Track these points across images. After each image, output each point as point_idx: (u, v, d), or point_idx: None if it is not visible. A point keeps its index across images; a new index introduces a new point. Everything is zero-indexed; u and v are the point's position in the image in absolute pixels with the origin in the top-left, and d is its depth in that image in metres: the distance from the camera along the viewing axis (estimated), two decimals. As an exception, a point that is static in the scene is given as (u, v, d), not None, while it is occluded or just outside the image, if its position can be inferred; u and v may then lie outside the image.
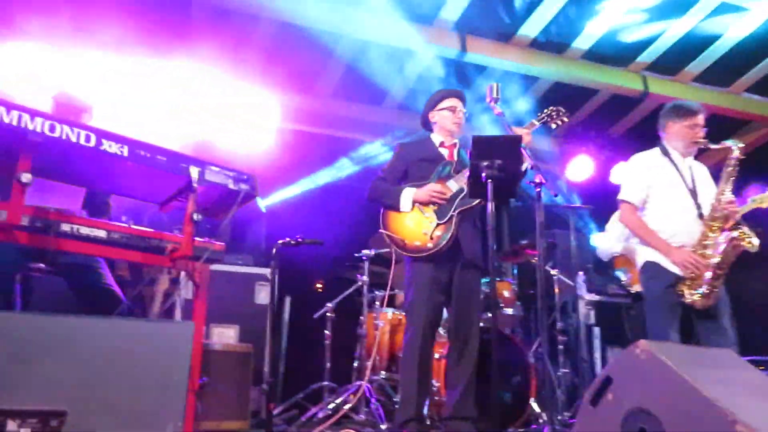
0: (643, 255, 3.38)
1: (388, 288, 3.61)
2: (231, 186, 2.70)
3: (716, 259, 3.12)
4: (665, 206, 3.33)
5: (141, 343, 1.52)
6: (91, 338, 1.46)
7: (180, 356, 1.50)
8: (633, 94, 5.77)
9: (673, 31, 5.13)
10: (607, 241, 4.69)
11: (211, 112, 4.93)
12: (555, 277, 4.61)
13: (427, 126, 3.39)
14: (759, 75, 5.75)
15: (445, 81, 5.30)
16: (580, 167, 6.31)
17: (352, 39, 4.97)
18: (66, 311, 3.12)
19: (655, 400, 2.00)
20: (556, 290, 4.58)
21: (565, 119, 3.23)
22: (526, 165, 2.69)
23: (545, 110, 3.22)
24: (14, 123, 2.10)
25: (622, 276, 4.51)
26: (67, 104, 3.27)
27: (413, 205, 3.08)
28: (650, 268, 3.32)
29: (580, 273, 5.11)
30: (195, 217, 2.53)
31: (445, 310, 3.24)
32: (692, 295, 3.15)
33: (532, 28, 5.08)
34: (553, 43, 5.32)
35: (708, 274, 3.12)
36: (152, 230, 2.59)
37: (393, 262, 3.58)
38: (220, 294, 4.12)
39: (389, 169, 3.28)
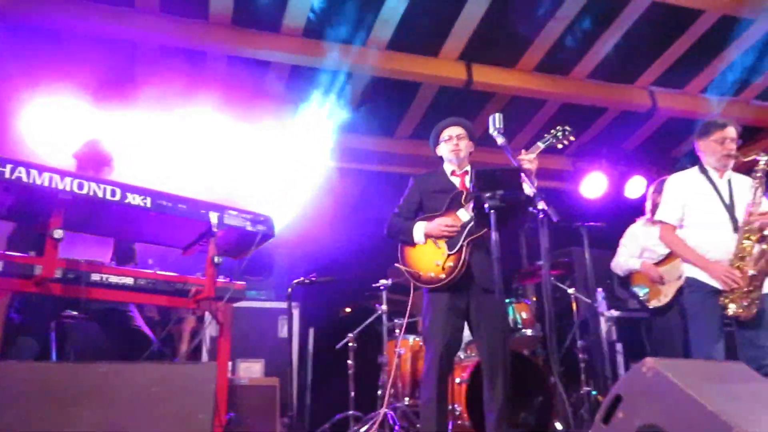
0: (686, 271, 3.49)
1: (407, 315, 3.68)
2: (249, 228, 2.85)
3: (752, 272, 3.19)
4: (701, 223, 3.43)
5: (168, 386, 1.64)
6: (123, 384, 1.58)
7: (204, 396, 1.61)
8: (641, 109, 5.83)
9: (680, 43, 5.21)
10: (622, 257, 4.75)
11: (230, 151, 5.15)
12: (572, 296, 4.65)
13: (441, 158, 3.52)
14: (766, 83, 5.77)
15: (453, 111, 5.43)
16: (594, 184, 6.36)
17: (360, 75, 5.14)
18: (99, 354, 3.29)
19: (664, 417, 2.05)
20: (574, 308, 4.61)
21: (572, 138, 3.26)
22: (529, 192, 2.77)
23: (551, 131, 3.28)
24: (46, 184, 2.28)
25: (639, 292, 4.54)
26: (90, 157, 3.45)
27: (426, 238, 3.20)
28: (691, 283, 3.43)
29: (599, 290, 5.14)
30: (216, 260, 2.68)
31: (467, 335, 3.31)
32: (734, 308, 3.23)
33: (536, 52, 5.20)
34: (558, 66, 5.43)
35: (746, 287, 3.20)
36: (176, 274, 2.74)
37: (412, 289, 3.68)
38: (246, 329, 4.26)
39: (404, 203, 3.41)
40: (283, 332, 4.39)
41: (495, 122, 3.00)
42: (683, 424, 1.98)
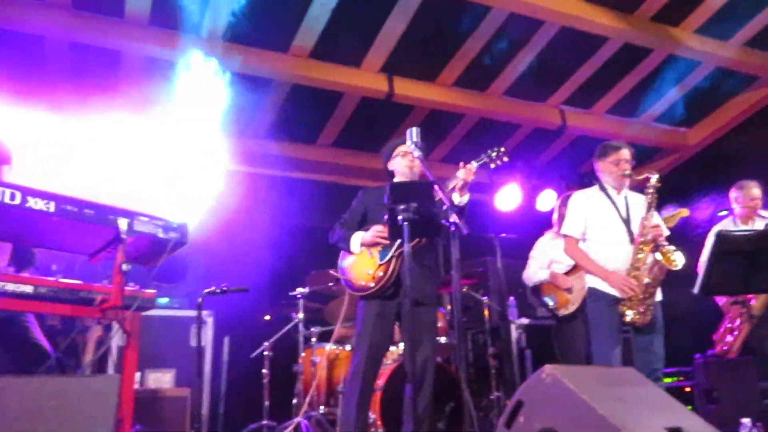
0: (588, 281, 3.71)
1: (341, 320, 3.70)
2: (160, 235, 2.78)
3: (647, 280, 3.42)
4: (601, 236, 3.67)
5: (68, 400, 1.59)
6: (16, 399, 1.52)
7: (105, 409, 1.57)
8: (552, 126, 6.14)
9: (587, 66, 5.54)
10: (531, 269, 4.97)
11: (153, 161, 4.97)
12: (485, 304, 4.81)
13: (392, 175, 3.59)
14: (663, 107, 6.22)
15: (375, 122, 5.53)
16: (509, 196, 6.61)
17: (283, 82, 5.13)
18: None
19: (560, 420, 2.18)
20: (486, 316, 4.78)
21: (506, 159, 3.39)
22: (444, 204, 2.87)
23: (487, 152, 3.39)
24: (-63, 186, 2.14)
25: (549, 301, 4.76)
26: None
27: (361, 248, 3.32)
28: (593, 292, 3.65)
29: (511, 298, 5.34)
30: (124, 267, 2.59)
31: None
32: (632, 315, 3.45)
33: (455, 68, 5.37)
34: (476, 82, 5.63)
35: (641, 294, 3.43)
36: (80, 282, 2.63)
37: (347, 297, 3.75)
38: (157, 338, 4.13)
39: (349, 214, 3.52)
40: (195, 341, 4.29)
41: (412, 136, 3.09)
42: (577, 427, 2.12)
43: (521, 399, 2.32)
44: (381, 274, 3.19)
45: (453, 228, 2.66)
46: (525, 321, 5.23)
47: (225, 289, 3.62)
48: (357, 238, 3.34)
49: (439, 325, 4.50)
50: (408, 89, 5.39)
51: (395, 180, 3.53)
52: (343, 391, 3.27)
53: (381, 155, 3.65)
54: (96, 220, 2.56)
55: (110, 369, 3.69)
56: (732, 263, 3.12)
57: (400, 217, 2.58)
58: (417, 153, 3.07)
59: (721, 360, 4.95)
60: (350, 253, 3.36)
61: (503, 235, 4.89)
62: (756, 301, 4.02)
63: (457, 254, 2.71)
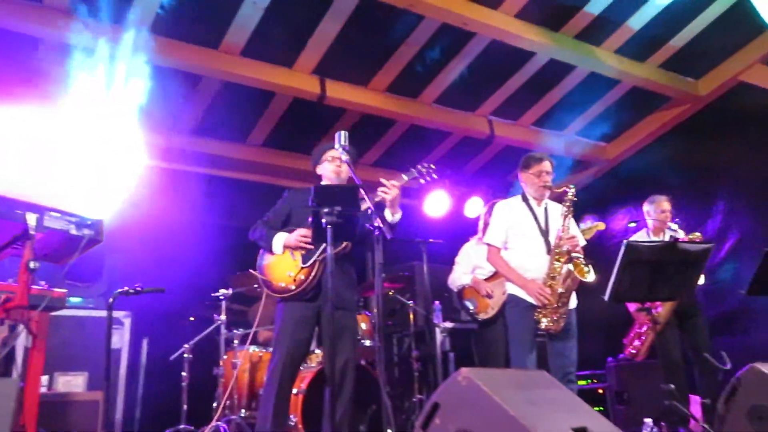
0: (508, 288, 3.85)
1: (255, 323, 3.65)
2: (73, 231, 2.68)
3: (561, 290, 3.55)
4: (521, 245, 3.81)
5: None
6: None
7: (3, 415, 1.49)
8: (481, 136, 6.30)
9: (515, 79, 5.72)
10: (456, 273, 5.08)
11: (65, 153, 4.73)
12: (410, 308, 4.88)
13: (320, 179, 3.59)
14: (585, 121, 6.51)
15: (306, 123, 5.50)
16: (437, 203, 6.72)
17: (213, 79, 5.02)
18: None
19: (475, 422, 2.24)
20: (412, 320, 4.84)
21: (435, 176, 3.47)
22: (366, 208, 2.90)
23: (417, 166, 3.46)
24: None
25: (470, 305, 4.88)
26: None
27: (284, 249, 3.29)
28: (512, 299, 3.79)
29: (436, 302, 5.44)
30: (32, 265, 2.47)
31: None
32: (546, 322, 3.60)
33: (388, 73, 5.42)
34: (407, 88, 5.70)
35: (555, 303, 3.56)
36: (-18, 280, 2.49)
37: (263, 297, 3.69)
38: (69, 340, 3.95)
39: (273, 213, 3.49)
40: (111, 343, 4.11)
41: (340, 139, 3.10)
42: (490, 428, 2.18)
43: (437, 401, 2.37)
44: (302, 277, 3.20)
45: (377, 232, 2.68)
46: (449, 325, 5.34)
47: (139, 289, 3.51)
48: (280, 239, 3.31)
49: (364, 328, 4.54)
50: (340, 92, 5.39)
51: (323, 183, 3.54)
52: (261, 395, 3.24)
53: (311, 158, 3.65)
54: (1, 214, 2.44)
55: (14, 373, 3.48)
56: (639, 272, 3.32)
57: (323, 220, 2.58)
58: (345, 157, 3.08)
59: (631, 363, 5.23)
60: (271, 253, 3.33)
61: (430, 240, 4.97)
62: (661, 309, 4.27)
63: (380, 258, 2.75)
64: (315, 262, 3.19)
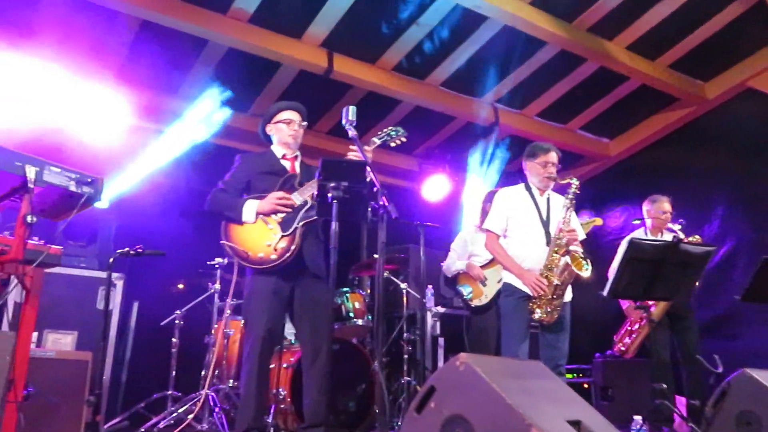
0: (504, 277, 3.81)
1: (230, 295, 3.60)
2: (73, 188, 2.62)
3: (557, 282, 3.54)
4: (520, 235, 3.78)
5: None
6: None
7: (-3, 368, 1.45)
8: (485, 122, 6.25)
9: (524, 68, 5.66)
10: (451, 259, 5.07)
11: (56, 106, 4.65)
12: (404, 290, 4.86)
13: (267, 139, 3.43)
14: (590, 116, 6.48)
15: (310, 97, 5.41)
16: (436, 187, 6.70)
17: (218, 44, 4.93)
18: None
19: (470, 408, 2.23)
20: (405, 302, 4.83)
21: (404, 139, 3.31)
22: (372, 186, 2.84)
23: (385, 130, 3.32)
24: None
25: (464, 291, 4.87)
26: None
27: (257, 217, 3.10)
28: (507, 288, 3.76)
29: (429, 286, 5.43)
30: (29, 219, 2.42)
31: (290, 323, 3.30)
32: (540, 313, 3.58)
33: (396, 53, 5.35)
34: (415, 69, 5.63)
35: (550, 295, 3.54)
36: (-22, 231, 2.44)
37: (236, 269, 3.59)
38: (60, 298, 3.90)
39: (231, 180, 3.26)
40: (102, 304, 4.08)
41: (348, 114, 3.04)
42: (485, 414, 2.17)
43: (433, 385, 2.35)
44: (284, 245, 3.04)
45: (381, 211, 2.64)
46: (441, 310, 5.34)
47: (140, 251, 3.44)
48: (251, 206, 3.09)
49: (357, 306, 4.52)
50: (347, 68, 5.32)
51: (274, 146, 3.37)
52: (242, 372, 3.11)
53: (262, 117, 3.46)
54: (0, 164, 2.38)
55: (4, 327, 3.44)
56: (639, 270, 3.31)
57: (330, 195, 2.53)
58: (352, 132, 3.02)
59: (618, 360, 5.26)
60: (240, 223, 3.10)
61: (428, 224, 4.93)
62: (655, 308, 4.28)
63: (383, 237, 2.70)
64: (295, 229, 3.05)
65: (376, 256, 4.80)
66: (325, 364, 3.03)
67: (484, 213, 4.98)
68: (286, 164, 3.33)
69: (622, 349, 4.69)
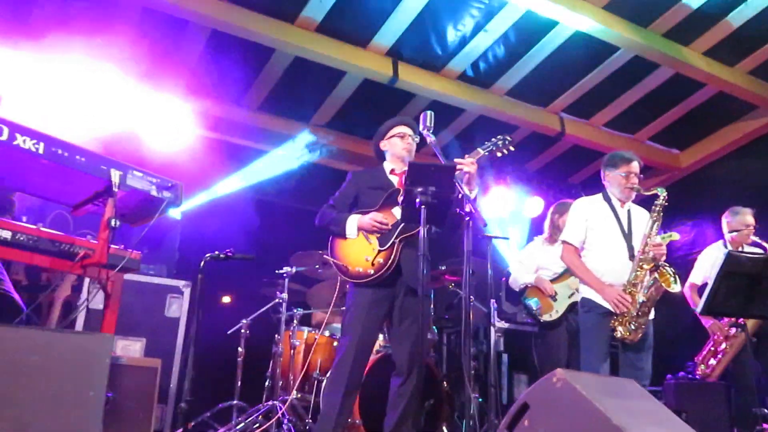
0: (582, 291, 3.63)
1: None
2: (153, 193, 2.59)
3: (642, 299, 3.34)
4: (601, 248, 3.58)
5: (52, 356, 1.40)
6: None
7: (97, 371, 1.40)
8: (550, 132, 6.07)
9: (594, 75, 5.48)
10: (519, 273, 4.89)
11: (128, 114, 4.74)
12: (471, 304, 4.70)
13: (381, 156, 3.43)
14: (660, 126, 6.22)
15: (373, 106, 5.37)
16: (497, 199, 6.53)
17: (285, 53, 4.94)
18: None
19: (569, 427, 2.08)
20: (471, 317, 4.67)
21: (512, 148, 3.22)
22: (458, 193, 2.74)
23: (492, 139, 3.24)
24: None
25: (533, 305, 4.68)
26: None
27: (358, 232, 3.12)
28: (586, 303, 3.57)
29: (493, 301, 5.26)
30: (113, 222, 2.40)
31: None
32: (623, 331, 3.38)
33: (462, 61, 5.25)
34: (480, 78, 5.52)
35: (634, 312, 3.34)
36: (63, 234, 2.43)
37: (339, 282, 3.55)
38: (128, 305, 3.91)
39: (339, 196, 3.31)
40: (170, 311, 4.08)
41: (426, 120, 2.97)
42: (586, 435, 2.02)
43: (527, 402, 2.21)
44: (381, 260, 3.03)
45: (467, 218, 2.52)
46: (505, 325, 5.16)
47: (229, 254, 3.41)
48: (353, 222, 3.13)
49: (424, 319, 4.39)
50: (412, 76, 5.26)
51: (386, 162, 3.36)
52: (328, 380, 3.09)
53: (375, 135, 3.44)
54: (87, 168, 2.37)
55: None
56: (735, 285, 3.09)
57: (417, 200, 2.43)
58: (430, 139, 2.93)
59: (693, 383, 4.96)
60: (343, 237, 3.15)
61: (497, 236, 4.78)
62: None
63: (469, 246, 2.58)
64: (393, 243, 3.02)
65: (442, 267, 4.74)
66: (418, 382, 2.94)
67: (553, 225, 4.80)
68: (394, 179, 3.29)
69: (707, 371, 4.40)
